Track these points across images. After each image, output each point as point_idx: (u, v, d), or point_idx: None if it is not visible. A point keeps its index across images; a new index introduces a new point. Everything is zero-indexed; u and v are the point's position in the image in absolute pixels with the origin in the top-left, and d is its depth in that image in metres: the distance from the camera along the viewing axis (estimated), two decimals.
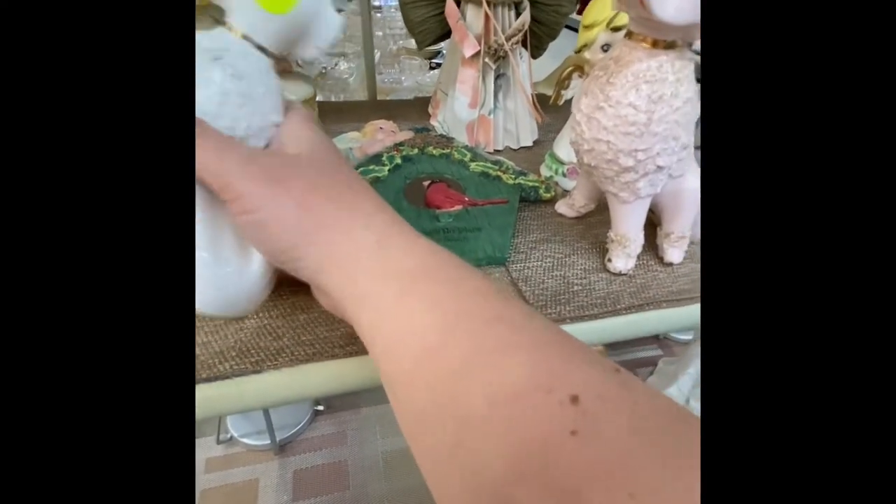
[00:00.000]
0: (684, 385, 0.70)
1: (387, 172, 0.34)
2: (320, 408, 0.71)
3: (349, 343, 0.21)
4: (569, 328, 0.24)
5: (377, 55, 1.28)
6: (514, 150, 0.43)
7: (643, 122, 0.21)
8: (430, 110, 0.47)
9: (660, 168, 0.23)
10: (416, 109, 0.51)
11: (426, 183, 0.33)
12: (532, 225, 0.32)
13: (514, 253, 0.29)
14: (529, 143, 0.43)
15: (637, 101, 0.21)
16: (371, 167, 0.34)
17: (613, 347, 0.86)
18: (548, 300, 0.25)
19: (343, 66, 1.25)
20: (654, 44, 0.21)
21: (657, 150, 0.22)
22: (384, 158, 0.36)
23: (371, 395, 0.75)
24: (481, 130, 0.41)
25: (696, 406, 0.69)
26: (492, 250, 0.28)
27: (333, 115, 0.48)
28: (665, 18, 0.18)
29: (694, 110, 0.22)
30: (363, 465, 0.66)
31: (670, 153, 0.22)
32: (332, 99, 1.23)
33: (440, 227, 0.29)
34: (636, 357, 0.86)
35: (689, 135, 0.23)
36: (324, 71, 1.28)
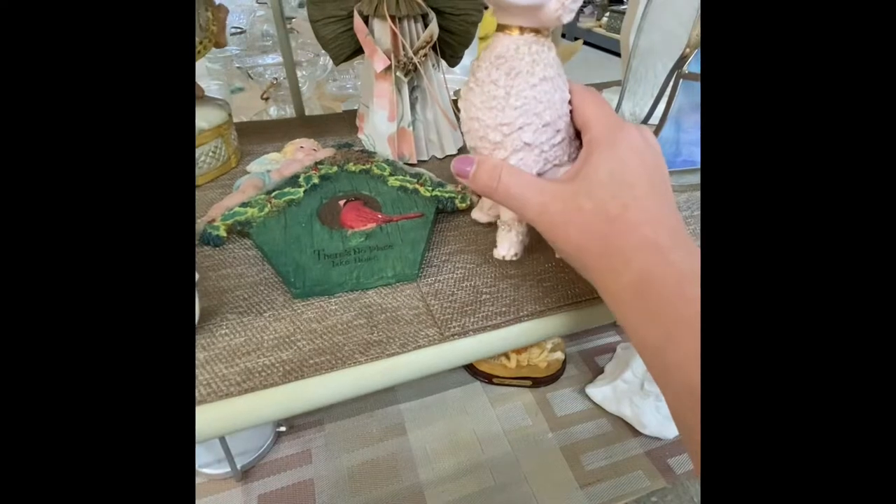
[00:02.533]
0: (637, 369, 0.73)
1: (302, 194, 0.34)
2: (282, 429, 0.70)
3: (246, 380, 0.21)
4: (472, 340, 0.24)
5: (328, 63, 1.27)
6: (440, 159, 0.44)
7: (502, 95, 0.23)
8: (358, 124, 0.47)
9: (527, 145, 0.24)
10: (346, 124, 0.51)
11: (342, 202, 0.33)
12: (448, 236, 0.32)
13: (427, 267, 0.29)
14: (454, 151, 0.44)
15: (497, 78, 0.23)
16: (286, 190, 0.34)
17: (572, 337, 0.88)
18: (455, 313, 0.25)
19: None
20: (521, 31, 0.23)
21: (519, 123, 0.23)
22: (301, 179, 0.35)
23: (335, 411, 0.74)
24: (403, 143, 0.41)
25: (650, 389, 0.72)
26: (401, 267, 0.28)
27: (257, 136, 0.47)
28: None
29: (555, 91, 0.24)
30: (329, 482, 0.66)
31: (535, 130, 0.24)
32: (287, 109, 1.21)
33: (351, 248, 0.29)
34: (596, 345, 0.88)
35: (555, 116, 0.24)
36: (275, 81, 1.26)
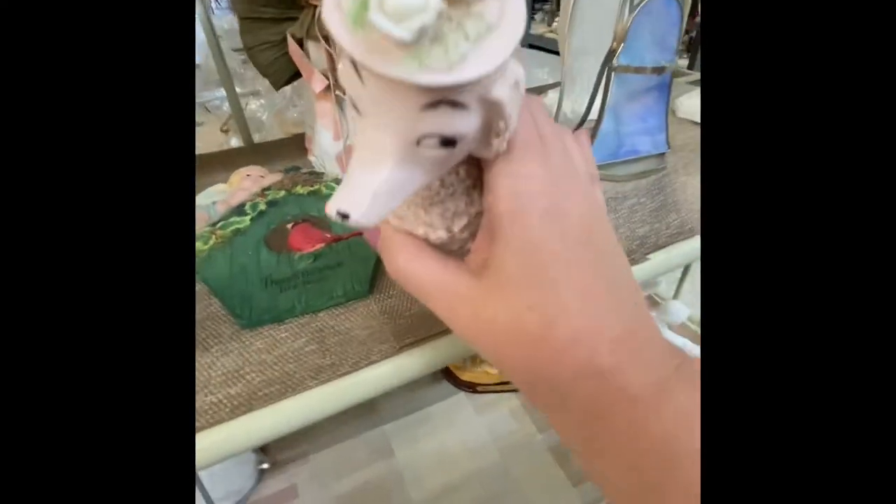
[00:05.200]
0: None
1: (248, 222, 0.33)
2: (265, 466, 0.68)
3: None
4: (429, 347, 0.24)
5: (287, 90, 1.26)
6: None
7: (430, 234, 0.17)
8: (307, 146, 0.47)
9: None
10: (294, 148, 0.50)
11: (290, 226, 0.33)
12: None
13: (381, 282, 0.29)
14: None
15: (422, 217, 0.17)
16: (232, 219, 0.33)
17: None
18: (411, 326, 0.25)
19: (254, 104, 1.22)
20: None
21: (448, 241, 0.18)
22: (247, 207, 0.35)
23: (318, 440, 0.72)
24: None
25: None
26: (352, 285, 0.27)
27: (205, 168, 0.46)
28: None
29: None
30: None
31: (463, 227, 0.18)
32: (255, 139, 1.20)
33: (299, 271, 0.28)
34: None
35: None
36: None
